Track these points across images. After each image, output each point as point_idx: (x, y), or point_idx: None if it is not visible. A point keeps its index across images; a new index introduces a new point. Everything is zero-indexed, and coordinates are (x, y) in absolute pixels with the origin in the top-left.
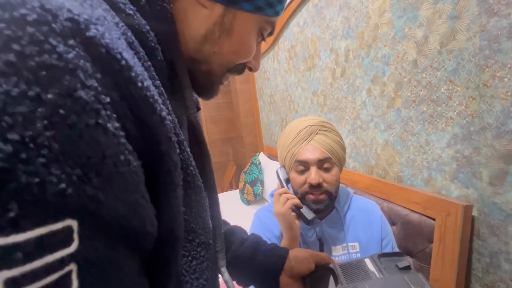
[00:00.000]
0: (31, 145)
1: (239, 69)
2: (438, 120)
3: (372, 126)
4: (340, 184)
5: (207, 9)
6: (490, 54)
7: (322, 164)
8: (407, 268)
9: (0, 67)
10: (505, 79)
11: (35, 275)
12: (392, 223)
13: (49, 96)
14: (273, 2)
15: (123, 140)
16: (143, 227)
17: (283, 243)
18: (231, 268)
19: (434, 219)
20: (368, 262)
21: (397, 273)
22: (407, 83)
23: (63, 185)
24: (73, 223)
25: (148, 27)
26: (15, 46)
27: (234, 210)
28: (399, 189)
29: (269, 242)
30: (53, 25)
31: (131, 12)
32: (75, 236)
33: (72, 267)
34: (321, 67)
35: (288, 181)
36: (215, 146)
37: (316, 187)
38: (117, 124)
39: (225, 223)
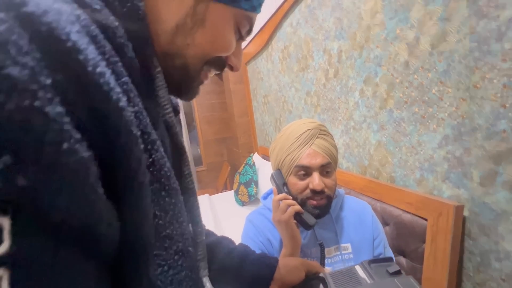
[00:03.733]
0: None
1: (218, 63)
2: (429, 121)
3: (365, 126)
4: None
5: None
6: (480, 56)
7: (324, 169)
8: (398, 272)
9: None
10: (495, 81)
11: None
12: (385, 224)
13: None
14: None
15: (67, 127)
16: (97, 227)
17: (284, 253)
18: (219, 278)
19: (426, 219)
20: (358, 269)
21: (388, 277)
22: (399, 84)
23: None
24: (3, 220)
25: (117, 23)
26: None
27: (229, 211)
28: (392, 189)
29: (262, 246)
30: None
31: (97, 7)
32: (6, 235)
33: (2, 273)
34: (314, 68)
35: (285, 185)
36: (209, 146)
37: (318, 192)
38: (60, 109)
39: (212, 234)
